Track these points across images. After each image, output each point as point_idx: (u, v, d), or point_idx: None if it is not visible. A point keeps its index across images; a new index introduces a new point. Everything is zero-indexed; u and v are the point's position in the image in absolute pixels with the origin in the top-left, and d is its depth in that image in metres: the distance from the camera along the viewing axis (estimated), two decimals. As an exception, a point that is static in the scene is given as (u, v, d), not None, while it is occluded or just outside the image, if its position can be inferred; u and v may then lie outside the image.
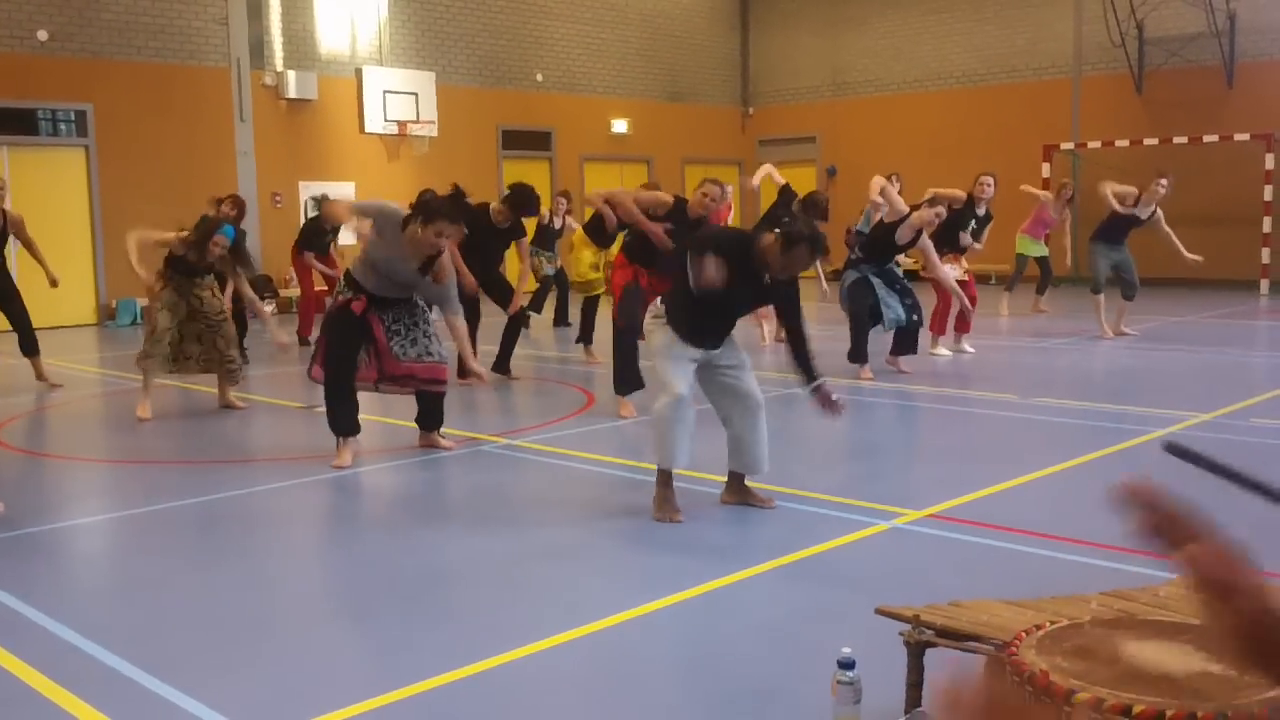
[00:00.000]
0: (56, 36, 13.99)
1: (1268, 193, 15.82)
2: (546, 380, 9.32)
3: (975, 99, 19.37)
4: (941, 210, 9.07)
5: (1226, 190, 16.22)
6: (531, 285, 9.70)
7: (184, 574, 4.44)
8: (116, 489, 6.01)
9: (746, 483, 5.12)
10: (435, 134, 17.13)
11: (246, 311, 9.01)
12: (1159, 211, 10.91)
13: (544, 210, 12.63)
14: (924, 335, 10.06)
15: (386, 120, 16.72)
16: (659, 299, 5.12)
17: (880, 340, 9.15)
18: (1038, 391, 8.10)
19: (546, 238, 13.00)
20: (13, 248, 9.35)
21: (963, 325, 10.13)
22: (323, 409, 6.25)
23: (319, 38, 16.28)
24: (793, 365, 4.98)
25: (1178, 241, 11.08)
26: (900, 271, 9.22)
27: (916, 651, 2.73)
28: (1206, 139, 16.18)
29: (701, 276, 4.64)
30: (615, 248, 8.86)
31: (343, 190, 15.83)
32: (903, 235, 8.74)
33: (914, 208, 8.95)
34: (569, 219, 13.11)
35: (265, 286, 15.54)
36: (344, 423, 6.12)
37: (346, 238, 12.20)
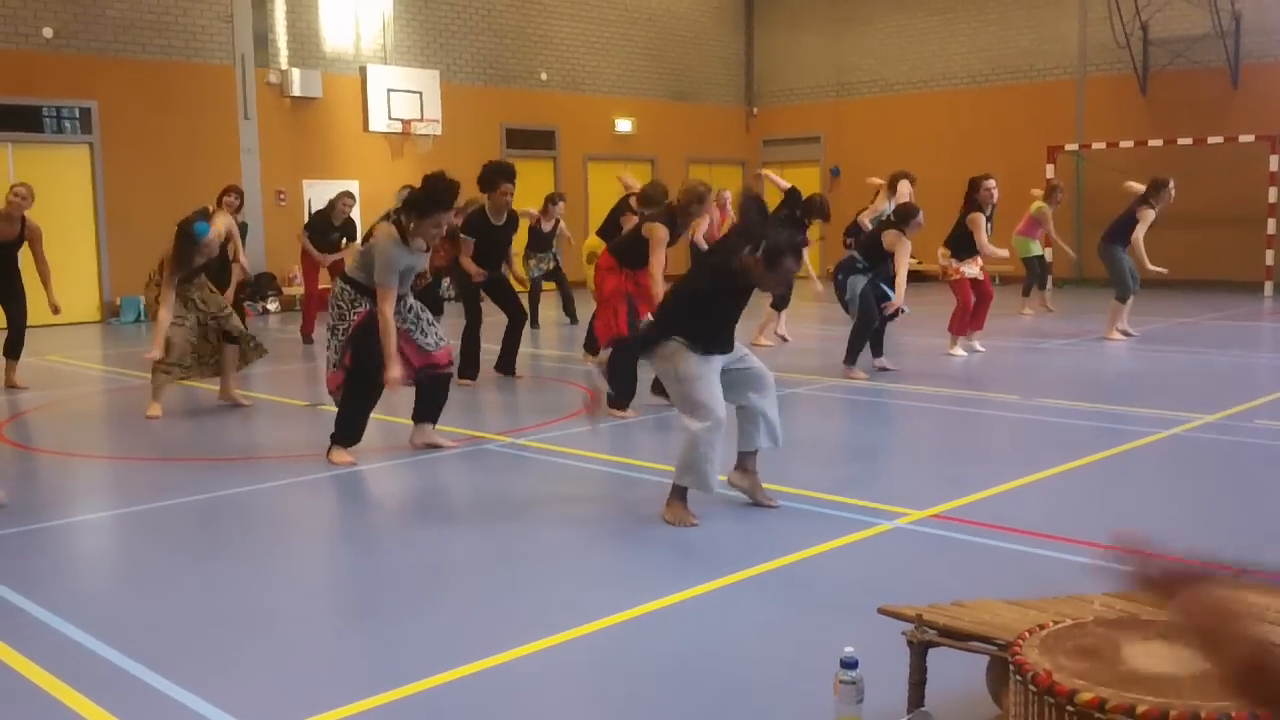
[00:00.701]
0: (61, 34, 14.01)
1: (1272, 194, 15.77)
2: (548, 379, 9.33)
3: (979, 100, 19.35)
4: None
5: (1231, 192, 16.19)
6: (520, 288, 9.68)
7: (187, 570, 4.44)
8: (120, 485, 6.01)
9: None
10: (439, 132, 17.15)
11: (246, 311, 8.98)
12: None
13: (534, 212, 12.66)
14: (942, 335, 10.11)
15: (391, 118, 16.74)
16: (649, 317, 5.13)
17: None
18: (1041, 392, 8.09)
19: (538, 240, 13.02)
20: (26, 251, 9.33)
21: (977, 322, 10.15)
22: (326, 406, 6.24)
23: (323, 35, 16.30)
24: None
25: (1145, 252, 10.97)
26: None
27: (920, 651, 2.73)
28: (1211, 140, 16.16)
29: (784, 279, 4.86)
30: (600, 247, 8.86)
31: (347, 188, 15.82)
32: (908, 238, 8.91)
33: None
34: (562, 224, 13.14)
35: (268, 284, 15.57)
36: (358, 433, 6.20)
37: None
